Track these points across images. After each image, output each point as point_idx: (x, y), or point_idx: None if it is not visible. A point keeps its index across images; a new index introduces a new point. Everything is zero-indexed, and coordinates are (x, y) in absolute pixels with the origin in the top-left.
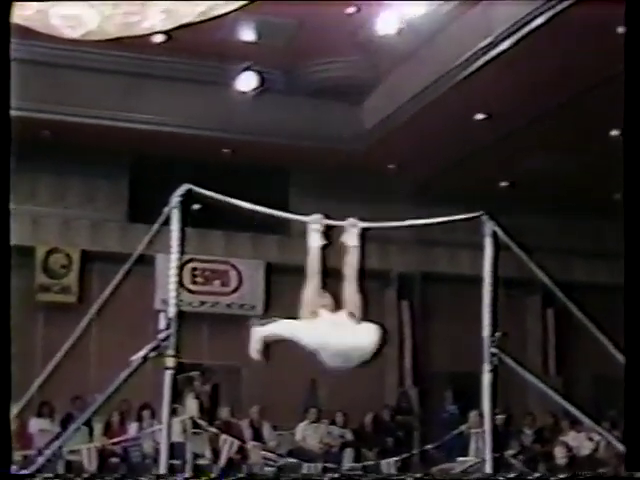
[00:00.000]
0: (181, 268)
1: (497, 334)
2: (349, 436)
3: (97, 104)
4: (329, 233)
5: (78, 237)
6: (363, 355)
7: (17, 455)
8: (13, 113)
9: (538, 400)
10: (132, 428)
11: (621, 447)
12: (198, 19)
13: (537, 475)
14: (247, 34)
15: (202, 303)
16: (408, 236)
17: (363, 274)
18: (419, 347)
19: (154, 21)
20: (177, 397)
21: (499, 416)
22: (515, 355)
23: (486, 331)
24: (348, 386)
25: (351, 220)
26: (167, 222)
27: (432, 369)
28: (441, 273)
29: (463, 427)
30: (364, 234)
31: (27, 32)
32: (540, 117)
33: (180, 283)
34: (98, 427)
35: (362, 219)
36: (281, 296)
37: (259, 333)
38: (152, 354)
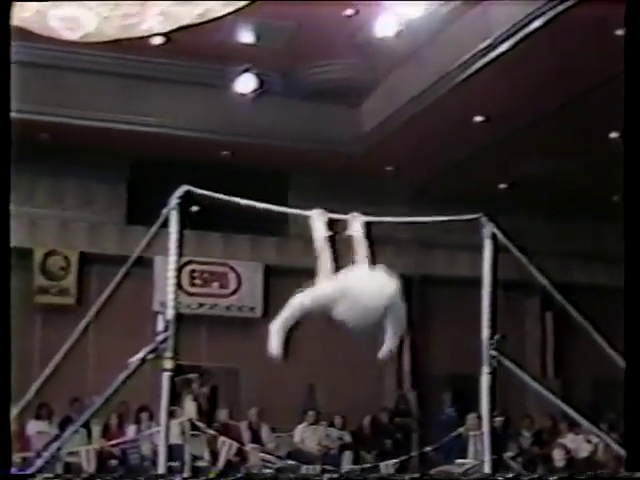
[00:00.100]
0: (179, 270)
1: (496, 337)
2: (348, 438)
3: (95, 106)
4: (333, 227)
5: (76, 239)
6: (385, 298)
7: (15, 457)
8: (12, 115)
9: (536, 402)
10: (130, 430)
11: (619, 449)
12: (196, 21)
13: (535, 475)
14: (246, 36)
15: (201, 305)
16: (407, 238)
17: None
18: (418, 349)
19: (152, 23)
20: (175, 399)
21: (497, 418)
22: (514, 357)
23: (485, 333)
24: (347, 388)
25: (354, 213)
26: (165, 224)
27: (431, 371)
28: (440, 275)
29: (461, 429)
30: (369, 228)
31: (25, 34)
32: (539, 119)
33: (178, 285)
34: (96, 429)
35: None
36: (280, 298)
37: (277, 325)
38: (150, 356)
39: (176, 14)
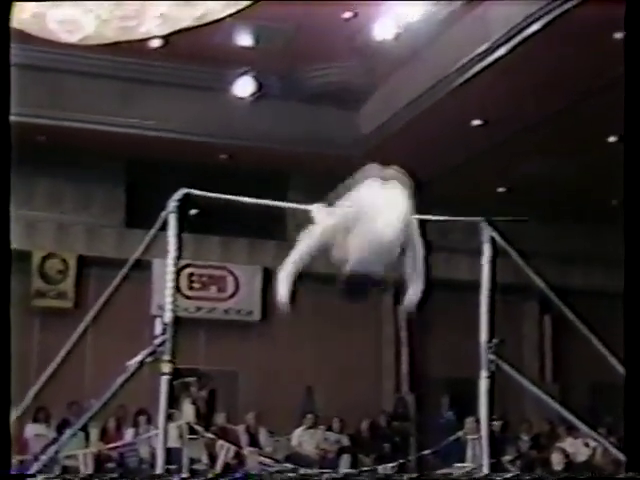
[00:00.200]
0: (178, 273)
1: (494, 340)
2: (346, 442)
3: (94, 109)
4: None
5: (75, 242)
6: (401, 217)
7: (13, 460)
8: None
9: (535, 406)
10: (128, 434)
11: (618, 453)
12: (195, 24)
13: (534, 475)
14: (244, 39)
15: (199, 309)
16: None
17: None
18: (416, 353)
19: (151, 26)
20: (174, 402)
21: (496, 422)
22: (512, 361)
23: (483, 337)
24: (345, 391)
25: None
26: (164, 227)
27: (429, 375)
28: (438, 278)
29: (460, 433)
30: None
31: (23, 37)
32: (537, 123)
33: (177, 288)
34: (94, 432)
35: None
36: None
37: (285, 271)
38: (148, 359)
39: (175, 17)
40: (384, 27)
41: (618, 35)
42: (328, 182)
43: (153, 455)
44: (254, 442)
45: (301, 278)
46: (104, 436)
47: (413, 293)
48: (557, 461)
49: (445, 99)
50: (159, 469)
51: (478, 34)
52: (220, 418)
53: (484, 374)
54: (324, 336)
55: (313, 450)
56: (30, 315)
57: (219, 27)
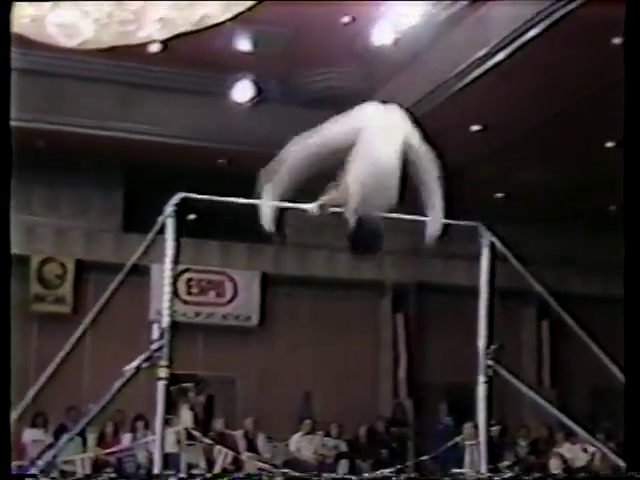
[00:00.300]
0: (176, 278)
1: (493, 346)
2: (344, 447)
3: (92, 114)
4: None
5: (73, 247)
6: (401, 136)
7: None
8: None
9: (533, 412)
10: (126, 439)
11: (616, 458)
12: (193, 28)
13: (533, 476)
14: (243, 44)
15: (197, 314)
16: (403, 247)
17: None
18: (414, 358)
19: (150, 30)
20: (171, 408)
21: (494, 428)
22: (510, 367)
23: (481, 343)
24: (343, 397)
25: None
26: (162, 232)
27: (427, 380)
28: (436, 284)
29: (458, 439)
30: None
31: (22, 41)
32: (536, 128)
33: (175, 294)
34: (92, 437)
35: None
36: (277, 307)
37: (275, 179)
38: (145, 365)
39: (174, 21)
40: (383, 32)
41: (617, 40)
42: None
43: (151, 460)
44: (252, 447)
45: (300, 283)
46: (102, 441)
47: (433, 223)
48: (555, 466)
49: (444, 104)
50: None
51: (476, 39)
52: (218, 423)
53: (482, 379)
54: (322, 341)
55: (311, 455)
56: (28, 320)
57: (218, 32)
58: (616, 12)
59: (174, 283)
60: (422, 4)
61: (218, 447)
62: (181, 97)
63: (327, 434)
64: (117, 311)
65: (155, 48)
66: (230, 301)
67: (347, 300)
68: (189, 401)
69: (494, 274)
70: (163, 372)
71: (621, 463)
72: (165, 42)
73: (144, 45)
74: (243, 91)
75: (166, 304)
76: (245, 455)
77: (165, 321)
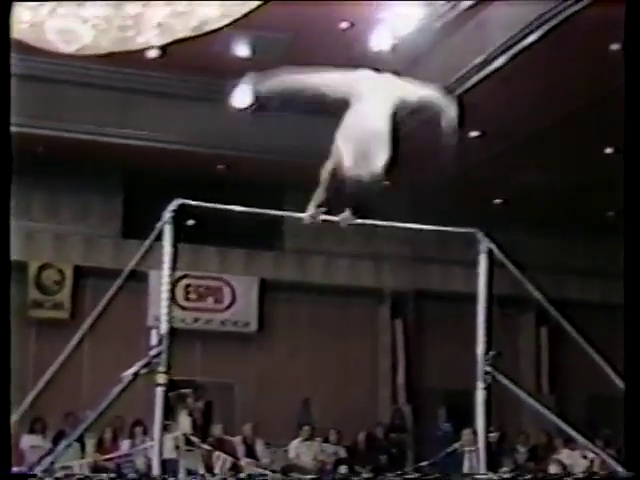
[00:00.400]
0: (174, 284)
1: (491, 352)
2: (342, 453)
3: (92, 120)
4: None
5: (71, 253)
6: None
7: None
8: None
9: (532, 418)
10: (124, 444)
11: (615, 465)
12: (192, 34)
13: (532, 476)
14: (241, 49)
15: (195, 320)
16: (402, 253)
17: None
18: (413, 364)
19: (149, 36)
20: (170, 414)
21: (493, 434)
22: (508, 373)
23: (480, 349)
24: (342, 403)
25: (345, 215)
26: (160, 238)
27: (426, 386)
28: (435, 291)
29: (457, 445)
30: None
31: (21, 47)
32: (534, 134)
33: (173, 299)
34: (90, 443)
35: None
36: (276, 313)
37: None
38: (143, 371)
39: (172, 27)
40: (381, 38)
41: (615, 46)
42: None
43: (149, 466)
44: (251, 453)
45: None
46: (100, 447)
47: (449, 117)
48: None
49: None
50: None
51: (475, 45)
52: (217, 429)
53: (481, 386)
54: (321, 347)
55: (310, 461)
56: (26, 325)
57: (216, 38)
58: (614, 18)
59: (172, 289)
60: (420, 10)
61: (217, 453)
62: (180, 103)
63: (326, 440)
64: (115, 317)
65: (154, 54)
66: (228, 307)
67: (346, 306)
68: (187, 407)
69: (492, 281)
70: (161, 378)
71: (620, 469)
72: (164, 48)
73: (143, 51)
74: (241, 97)
75: (164, 310)
76: (244, 461)
77: (163, 327)
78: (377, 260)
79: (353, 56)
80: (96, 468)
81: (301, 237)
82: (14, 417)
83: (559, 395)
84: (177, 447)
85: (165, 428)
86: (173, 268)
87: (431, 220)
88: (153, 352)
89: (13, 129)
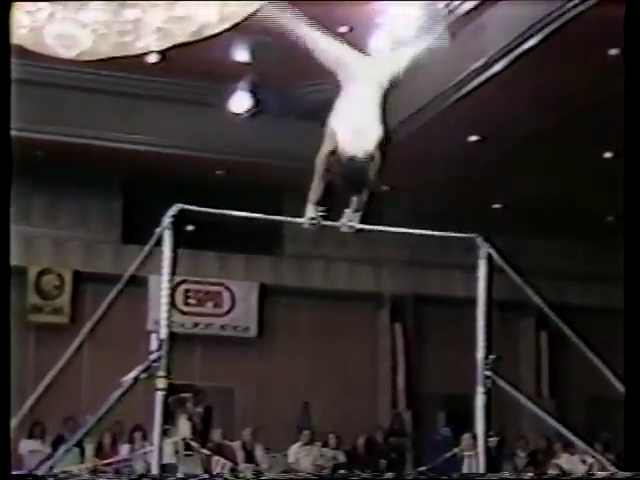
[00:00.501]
0: (174, 289)
1: (491, 357)
2: (342, 458)
3: (91, 124)
4: None
5: (71, 258)
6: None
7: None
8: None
9: (531, 423)
10: (124, 449)
11: (615, 470)
12: (191, 39)
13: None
14: (241, 54)
15: (195, 324)
16: (401, 258)
17: None
18: (412, 369)
19: (148, 41)
20: (169, 418)
21: (492, 439)
22: (509, 378)
23: (480, 353)
24: (341, 408)
25: (345, 220)
26: (160, 243)
27: (425, 391)
28: (434, 295)
29: (456, 449)
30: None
31: (20, 52)
32: (533, 139)
33: (173, 304)
34: (90, 448)
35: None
36: (275, 318)
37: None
38: (143, 375)
39: (172, 32)
40: (380, 42)
41: (614, 51)
42: (324, 198)
43: (148, 471)
44: (250, 458)
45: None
46: (99, 452)
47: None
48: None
49: (442, 115)
50: None
51: (474, 50)
52: (216, 434)
53: (481, 390)
54: (320, 352)
55: (309, 466)
56: (26, 330)
57: (216, 42)
58: (613, 23)
59: (172, 294)
60: (419, 13)
61: (216, 458)
62: (179, 108)
63: (325, 444)
64: (115, 322)
65: (153, 59)
66: (228, 312)
67: (345, 311)
68: (187, 412)
69: (492, 285)
70: (161, 383)
71: (620, 474)
72: (163, 53)
73: (142, 56)
74: (241, 102)
75: (164, 315)
76: (243, 466)
77: (163, 332)
78: (377, 265)
79: None
80: (95, 473)
81: (301, 242)
82: (14, 422)
83: (559, 400)
84: (176, 452)
85: (164, 433)
86: (173, 273)
87: (430, 225)
88: (153, 357)
89: (13, 134)
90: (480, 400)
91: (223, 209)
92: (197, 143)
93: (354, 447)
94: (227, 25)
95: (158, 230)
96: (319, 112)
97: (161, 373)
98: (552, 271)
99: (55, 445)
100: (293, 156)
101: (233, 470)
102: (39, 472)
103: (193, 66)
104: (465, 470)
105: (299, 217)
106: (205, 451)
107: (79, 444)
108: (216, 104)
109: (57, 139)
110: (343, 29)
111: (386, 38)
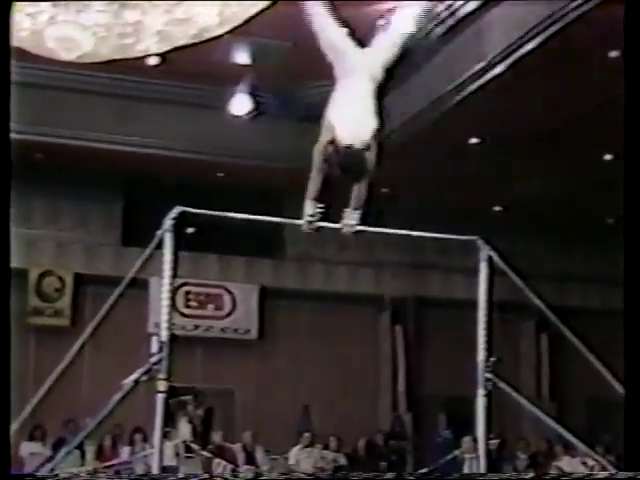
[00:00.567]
0: (174, 292)
1: (492, 359)
2: (343, 460)
3: (91, 127)
4: None
5: (72, 260)
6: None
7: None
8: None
9: (532, 425)
10: (124, 452)
11: (615, 472)
12: (192, 41)
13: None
14: (241, 57)
15: (196, 327)
16: (402, 260)
17: None
18: (413, 371)
19: (149, 43)
20: (170, 421)
21: (493, 441)
22: (509, 380)
23: (480, 356)
24: (342, 410)
25: (345, 221)
26: (161, 246)
27: (426, 393)
28: (435, 297)
29: (457, 452)
30: None
31: (20, 54)
32: (533, 141)
33: (173, 307)
34: (90, 450)
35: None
36: (276, 320)
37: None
38: (144, 378)
39: (172, 34)
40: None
41: (614, 54)
42: (323, 194)
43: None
44: (251, 461)
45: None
46: (100, 454)
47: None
48: None
49: (442, 117)
50: None
51: (474, 52)
52: (217, 436)
53: (481, 393)
54: (321, 355)
55: (310, 468)
56: (26, 333)
57: (217, 45)
58: (613, 26)
59: (173, 296)
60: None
61: (217, 460)
62: (179, 110)
63: (326, 447)
64: (116, 324)
65: (154, 61)
66: (229, 314)
67: (346, 313)
68: (188, 414)
69: (492, 288)
70: (162, 385)
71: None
72: (163, 55)
73: (143, 58)
74: (241, 104)
75: (165, 317)
76: (244, 468)
77: (164, 334)
78: (377, 267)
79: None
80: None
81: (301, 244)
82: (14, 425)
83: (560, 401)
84: (177, 454)
85: (165, 435)
86: (174, 275)
87: (431, 227)
88: (153, 359)
89: (13, 136)
90: (481, 402)
91: (224, 211)
92: (197, 145)
93: (355, 450)
94: (227, 28)
95: (159, 232)
96: (319, 114)
97: (162, 375)
98: (552, 273)
99: (56, 447)
100: (293, 158)
101: (234, 472)
102: (39, 474)
103: (193, 68)
104: (466, 472)
105: (300, 219)
106: (206, 453)
107: (80, 446)
108: (216, 106)
109: (57, 141)
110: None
111: (387, 38)
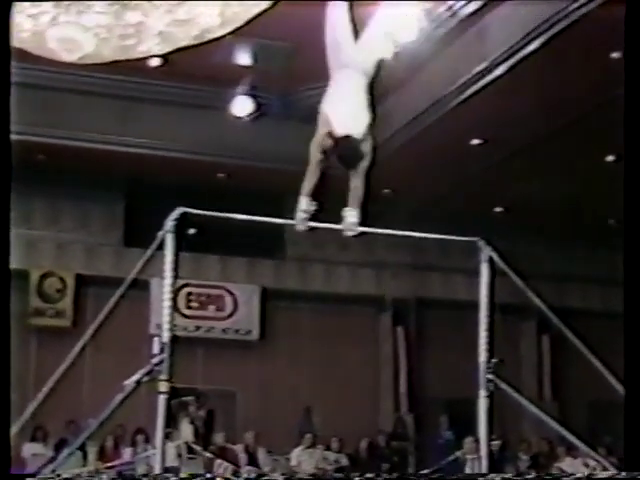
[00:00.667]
0: (176, 293)
1: (493, 360)
2: (344, 461)
3: (92, 128)
4: None
5: (73, 261)
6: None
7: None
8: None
9: (534, 426)
10: (126, 453)
11: (616, 471)
12: (194, 42)
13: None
14: (243, 58)
15: (197, 328)
16: (403, 261)
17: None
18: (414, 373)
19: (150, 44)
20: (172, 422)
21: (495, 442)
22: (511, 381)
23: (482, 357)
24: (343, 411)
25: (347, 221)
26: (162, 246)
27: (427, 395)
28: (436, 299)
29: (458, 453)
30: None
31: (22, 55)
32: (535, 142)
33: (175, 308)
34: (92, 451)
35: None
36: (277, 321)
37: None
38: (145, 379)
39: (174, 35)
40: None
41: (615, 54)
42: (326, 201)
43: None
44: (253, 461)
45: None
46: (102, 455)
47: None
48: None
49: (443, 118)
50: None
51: (475, 53)
52: (219, 437)
53: (483, 394)
54: (322, 356)
55: (312, 469)
56: (27, 334)
57: (218, 46)
58: (615, 26)
59: (174, 297)
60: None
61: (218, 461)
62: (181, 111)
63: (328, 448)
64: (117, 325)
65: (155, 62)
66: (230, 315)
67: (347, 314)
68: (189, 415)
69: (494, 289)
70: (163, 386)
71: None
72: (165, 56)
73: (144, 59)
74: (243, 105)
75: (166, 318)
76: (245, 469)
77: (165, 335)
78: (378, 268)
79: None
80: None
81: (302, 245)
82: (15, 427)
83: (561, 402)
84: (179, 455)
85: (167, 436)
86: (175, 276)
87: (432, 228)
88: (155, 360)
89: (14, 137)
90: (482, 403)
91: (225, 212)
92: (199, 146)
93: (356, 451)
94: (229, 29)
95: (160, 233)
96: None
97: (163, 376)
98: (554, 274)
99: (58, 448)
100: (294, 159)
101: (235, 473)
102: (41, 475)
103: (195, 70)
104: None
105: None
106: (207, 454)
107: (82, 447)
108: (218, 107)
109: (58, 142)
110: None
111: (387, 38)
